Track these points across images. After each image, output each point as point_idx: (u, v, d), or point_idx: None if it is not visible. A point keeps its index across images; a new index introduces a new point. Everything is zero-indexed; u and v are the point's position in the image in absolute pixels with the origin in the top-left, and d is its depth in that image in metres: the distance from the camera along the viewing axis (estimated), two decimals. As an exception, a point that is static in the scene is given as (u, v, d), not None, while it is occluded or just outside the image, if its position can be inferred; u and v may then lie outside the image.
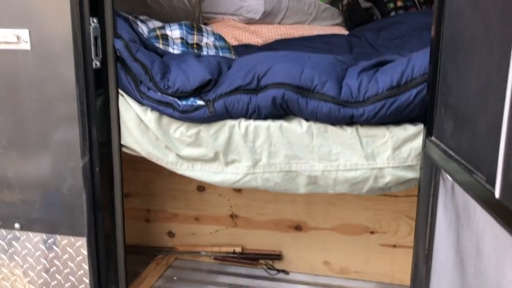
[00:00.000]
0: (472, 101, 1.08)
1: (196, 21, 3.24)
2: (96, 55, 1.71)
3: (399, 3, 2.92)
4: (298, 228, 2.43)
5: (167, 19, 3.05)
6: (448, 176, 1.20)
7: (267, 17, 2.91)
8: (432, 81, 1.37)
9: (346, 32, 2.92)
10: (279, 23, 2.97)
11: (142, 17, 2.53)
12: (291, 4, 2.96)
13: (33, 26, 1.68)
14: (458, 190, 1.12)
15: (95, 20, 1.69)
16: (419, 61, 1.60)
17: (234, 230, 2.50)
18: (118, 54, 1.76)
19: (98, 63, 1.72)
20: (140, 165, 2.45)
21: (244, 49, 2.80)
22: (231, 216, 2.49)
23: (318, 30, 2.94)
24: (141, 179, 2.57)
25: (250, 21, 2.92)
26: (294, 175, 1.74)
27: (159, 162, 1.84)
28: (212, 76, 1.76)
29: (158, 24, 2.44)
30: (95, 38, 1.70)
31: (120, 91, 1.81)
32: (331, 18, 3.14)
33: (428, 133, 1.40)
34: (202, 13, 3.25)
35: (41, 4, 1.66)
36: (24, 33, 1.68)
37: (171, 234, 2.60)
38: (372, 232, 2.32)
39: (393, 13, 2.91)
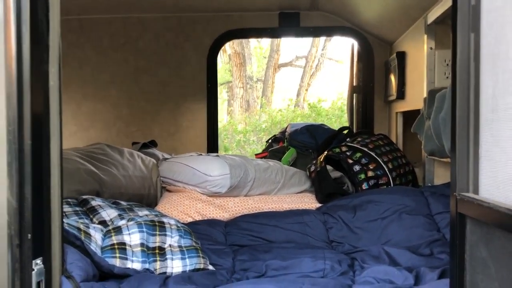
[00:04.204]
0: None
1: (154, 186, 2.98)
2: (38, 303, 1.37)
3: (370, 173, 2.81)
4: None
5: (122, 191, 2.78)
6: None
7: (233, 190, 2.70)
8: None
9: (317, 204, 2.74)
10: (246, 195, 2.76)
11: (94, 203, 2.24)
12: (258, 174, 2.78)
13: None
14: None
15: (38, 261, 1.37)
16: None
17: None
18: (66, 299, 1.43)
19: (40, 314, 1.37)
20: None
21: (207, 227, 2.54)
22: None
23: (288, 202, 2.74)
24: None
25: (215, 194, 2.69)
26: None
27: None
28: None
29: (114, 213, 2.15)
30: (38, 283, 1.37)
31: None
32: (298, 184, 2.97)
33: None
34: (160, 177, 3.01)
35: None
36: None
37: None
38: None
39: (364, 184, 2.78)
